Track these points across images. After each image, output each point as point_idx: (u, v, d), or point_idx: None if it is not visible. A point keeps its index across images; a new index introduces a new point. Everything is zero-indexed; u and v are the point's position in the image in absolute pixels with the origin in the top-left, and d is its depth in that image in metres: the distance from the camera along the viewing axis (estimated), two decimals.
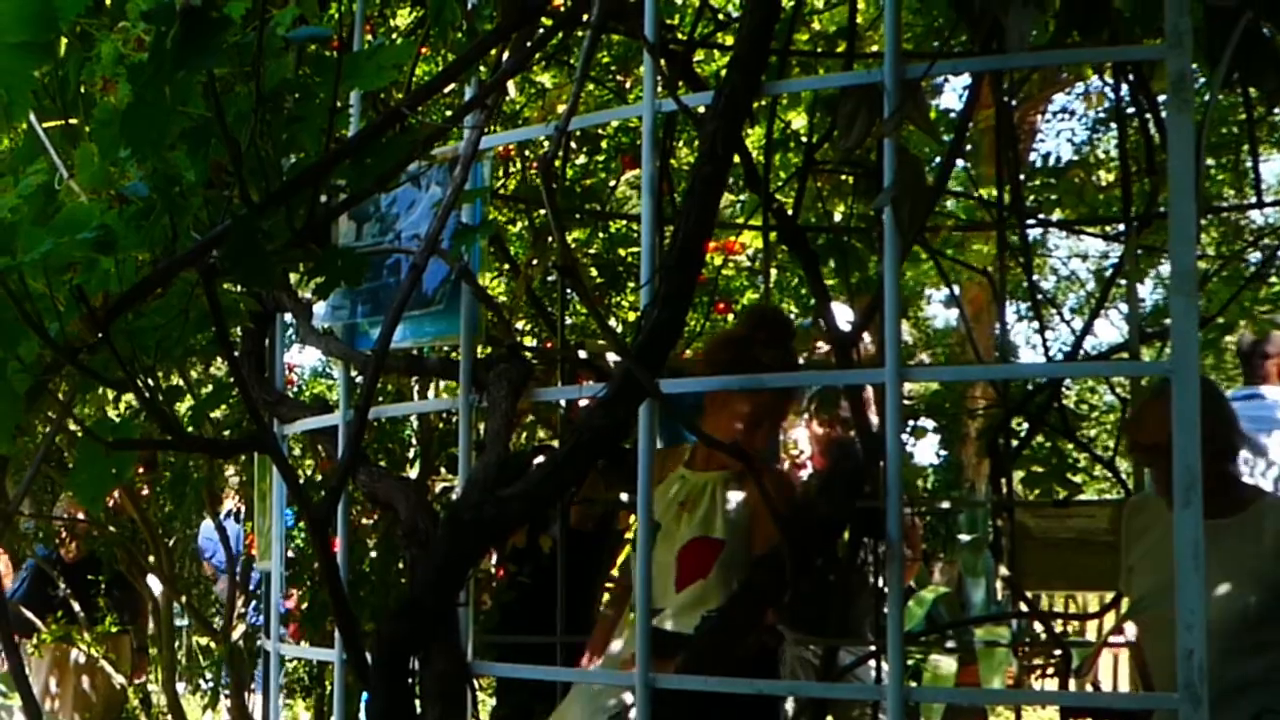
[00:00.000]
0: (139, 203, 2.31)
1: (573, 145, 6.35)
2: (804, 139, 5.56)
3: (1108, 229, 6.85)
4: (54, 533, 7.95)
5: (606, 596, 5.08)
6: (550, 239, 5.84)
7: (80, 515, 7.76)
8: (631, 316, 6.97)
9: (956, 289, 8.64)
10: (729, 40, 5.22)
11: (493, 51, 3.07)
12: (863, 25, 5.80)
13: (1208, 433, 3.65)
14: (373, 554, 4.80)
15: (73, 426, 5.74)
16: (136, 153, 2.23)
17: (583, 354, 4.96)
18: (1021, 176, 6.34)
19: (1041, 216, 7.58)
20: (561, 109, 3.13)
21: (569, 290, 5.43)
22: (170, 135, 2.23)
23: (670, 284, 2.64)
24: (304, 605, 4.76)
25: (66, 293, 2.24)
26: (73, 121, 2.72)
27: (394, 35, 6.09)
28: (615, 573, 5.71)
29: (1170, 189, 2.51)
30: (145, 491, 7.31)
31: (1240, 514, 3.62)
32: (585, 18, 2.91)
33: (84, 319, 2.23)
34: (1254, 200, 6.53)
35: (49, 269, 2.21)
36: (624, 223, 7.13)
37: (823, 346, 4.81)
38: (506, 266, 7.12)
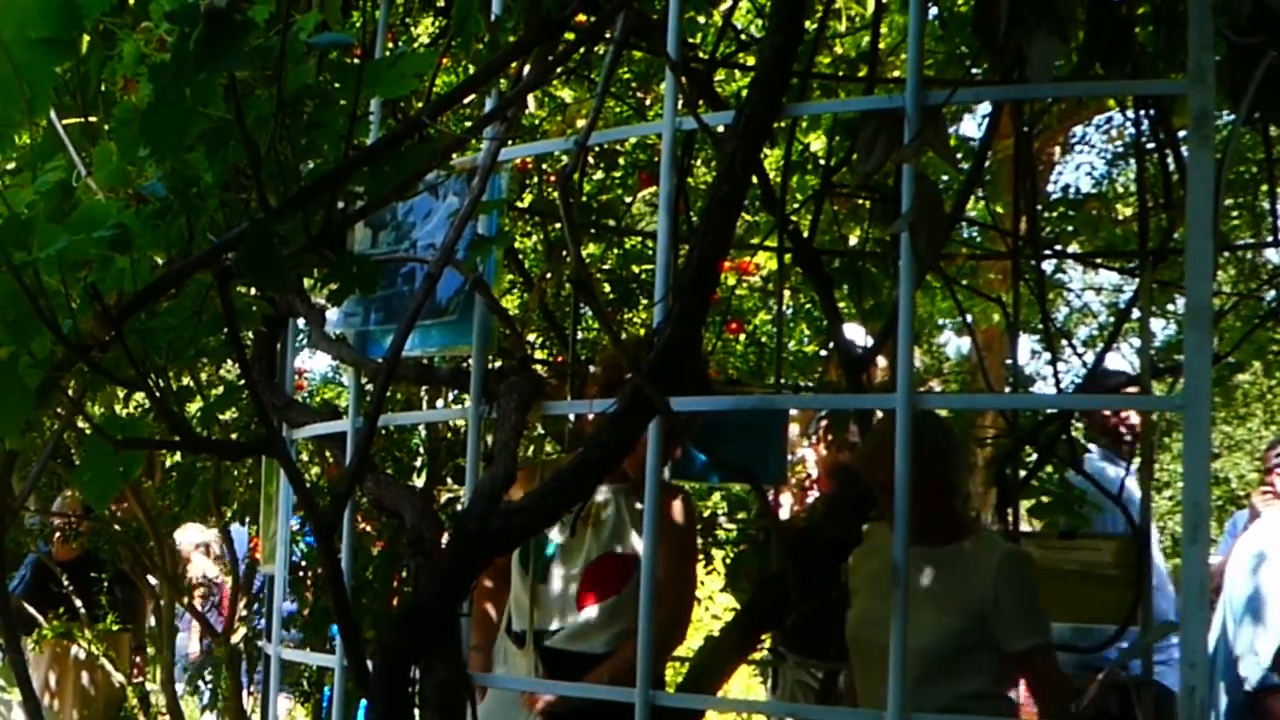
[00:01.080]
0: (156, 202, 2.31)
1: (590, 160, 6.36)
2: (822, 162, 5.57)
3: (1123, 262, 6.85)
4: (51, 530, 7.94)
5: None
6: (565, 253, 5.84)
7: (75, 512, 7.78)
8: (643, 333, 6.96)
9: (969, 317, 8.61)
10: (750, 61, 5.23)
11: (513, 64, 3.07)
12: (884, 50, 5.80)
13: (929, 465, 3.79)
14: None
15: (81, 424, 5.75)
16: (155, 153, 2.23)
17: (593, 369, 4.95)
18: (1039, 207, 6.33)
19: (1058, 248, 7.58)
20: (581, 124, 3.13)
21: (582, 305, 5.43)
22: (190, 136, 2.23)
23: (684, 302, 2.63)
24: (306, 610, 4.76)
25: (81, 290, 2.24)
26: (92, 119, 2.73)
27: (416, 44, 6.10)
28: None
29: (1188, 224, 2.50)
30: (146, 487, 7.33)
31: (954, 545, 3.77)
32: (608, 34, 2.91)
33: (97, 317, 2.24)
34: (1271, 239, 6.52)
35: (64, 265, 2.21)
36: (639, 239, 7.14)
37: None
38: (520, 279, 7.13)
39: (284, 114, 2.26)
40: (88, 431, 2.61)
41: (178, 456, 7.09)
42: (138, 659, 8.23)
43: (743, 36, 5.64)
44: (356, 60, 2.61)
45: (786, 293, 7.26)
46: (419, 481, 6.61)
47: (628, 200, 7.11)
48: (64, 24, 2.22)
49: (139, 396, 5.98)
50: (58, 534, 7.93)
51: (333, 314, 3.61)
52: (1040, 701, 3.81)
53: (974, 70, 4.33)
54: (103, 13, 2.30)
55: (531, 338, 7.10)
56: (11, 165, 2.67)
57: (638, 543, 3.86)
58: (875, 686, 3.74)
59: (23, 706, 4.62)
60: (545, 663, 3.89)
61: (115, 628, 7.77)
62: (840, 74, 5.96)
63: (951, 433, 4.10)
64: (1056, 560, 4.48)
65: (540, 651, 3.92)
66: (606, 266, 7.18)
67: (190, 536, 8.44)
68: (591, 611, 3.94)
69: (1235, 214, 10.15)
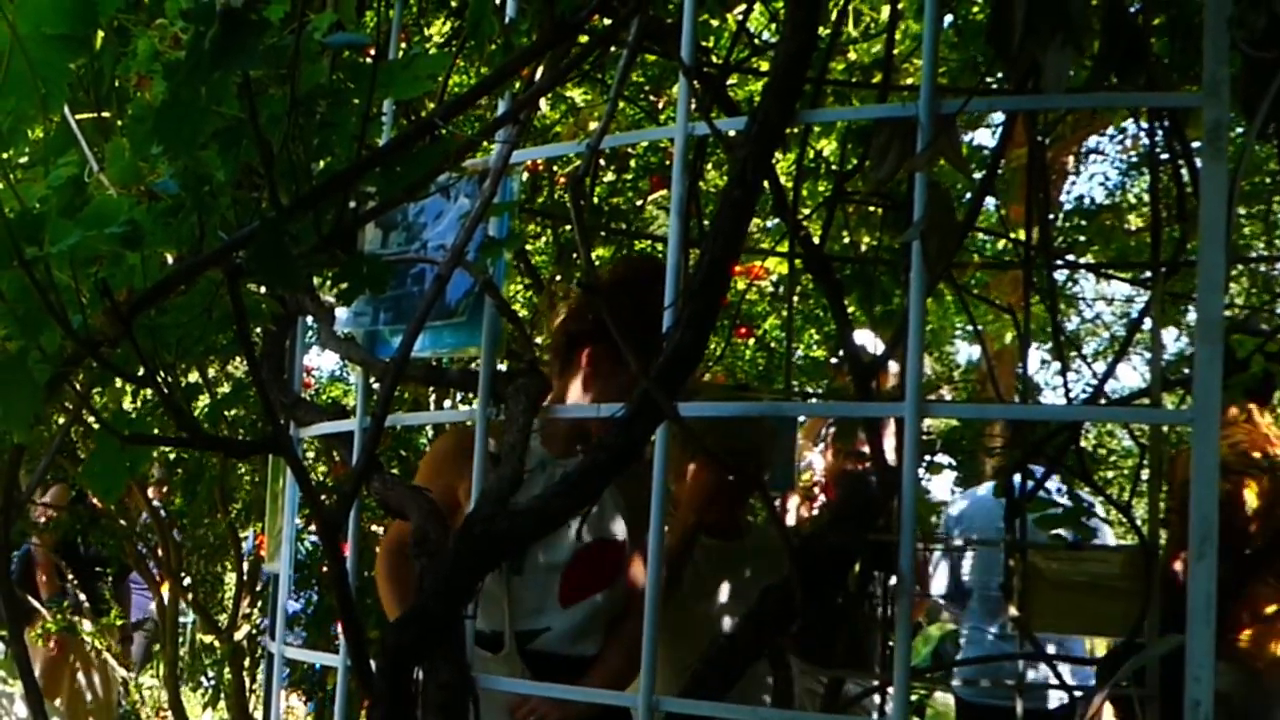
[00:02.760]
0: (168, 200, 2.32)
1: (602, 163, 6.36)
2: (834, 168, 5.56)
3: (1135, 273, 6.83)
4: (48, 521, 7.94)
5: None
6: (575, 256, 5.84)
7: (64, 503, 7.79)
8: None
9: (980, 327, 8.60)
10: (764, 66, 5.22)
11: (527, 67, 3.06)
12: (899, 58, 5.79)
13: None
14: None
15: (88, 419, 5.76)
16: (168, 150, 2.23)
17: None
18: (1051, 217, 6.32)
19: (1069, 258, 7.56)
20: (593, 126, 3.12)
21: None
22: (203, 134, 2.23)
23: (694, 306, 2.63)
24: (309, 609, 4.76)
25: (91, 285, 2.24)
26: (106, 115, 2.73)
27: (430, 46, 6.11)
28: None
29: (1200, 237, 2.49)
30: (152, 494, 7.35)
31: (747, 538, 4.38)
32: (622, 37, 2.90)
33: (107, 313, 2.24)
34: None
35: (75, 261, 2.21)
36: (649, 243, 7.14)
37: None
38: (530, 281, 7.14)
39: (297, 113, 2.26)
40: (95, 426, 2.62)
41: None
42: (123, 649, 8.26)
43: (757, 42, 5.64)
44: (370, 61, 2.61)
45: (796, 298, 7.25)
46: None
47: (639, 204, 7.11)
48: (79, 20, 2.22)
49: (146, 392, 5.99)
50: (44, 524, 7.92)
51: (342, 313, 3.60)
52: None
53: (989, 80, 4.32)
54: (118, 9, 2.30)
55: (540, 340, 7.10)
56: (25, 160, 2.67)
57: (621, 529, 3.80)
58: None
59: (25, 699, 4.62)
60: (534, 669, 3.66)
61: (119, 622, 7.80)
62: (854, 81, 5.95)
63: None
64: (1064, 572, 4.47)
65: (524, 656, 3.69)
66: None
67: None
68: (589, 606, 3.76)
69: (1248, 226, 10.14)
